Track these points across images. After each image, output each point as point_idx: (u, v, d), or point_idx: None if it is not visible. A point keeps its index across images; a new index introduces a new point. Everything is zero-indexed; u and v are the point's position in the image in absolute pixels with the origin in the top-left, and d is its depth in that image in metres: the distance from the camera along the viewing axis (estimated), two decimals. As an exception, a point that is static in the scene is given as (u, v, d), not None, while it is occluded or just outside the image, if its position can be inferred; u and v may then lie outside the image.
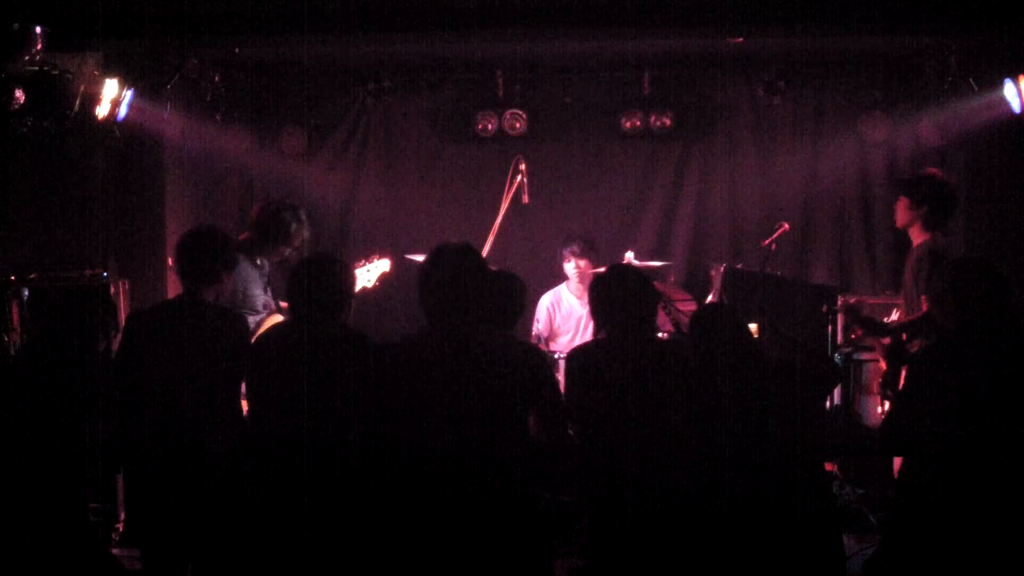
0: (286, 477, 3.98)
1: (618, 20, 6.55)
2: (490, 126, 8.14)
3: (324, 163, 8.49)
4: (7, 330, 6.01)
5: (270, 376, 4.15)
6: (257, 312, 5.60)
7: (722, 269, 6.80)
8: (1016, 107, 6.84)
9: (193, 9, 6.43)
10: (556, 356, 6.08)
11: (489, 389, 3.89)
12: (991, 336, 3.93)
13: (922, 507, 3.94)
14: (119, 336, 4.59)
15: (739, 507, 4.06)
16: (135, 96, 6.87)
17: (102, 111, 6.66)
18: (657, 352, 4.35)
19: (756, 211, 8.22)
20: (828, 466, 6.04)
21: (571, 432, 4.38)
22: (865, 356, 6.61)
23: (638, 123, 8.12)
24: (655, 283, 6.17)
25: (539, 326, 7.14)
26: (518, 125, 8.09)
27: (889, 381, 5.50)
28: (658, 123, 8.11)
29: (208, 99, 7.81)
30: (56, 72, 6.30)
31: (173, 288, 6.92)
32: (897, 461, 5.57)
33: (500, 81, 8.18)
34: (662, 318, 6.30)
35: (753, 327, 5.51)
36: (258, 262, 5.79)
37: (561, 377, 4.50)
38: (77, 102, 6.46)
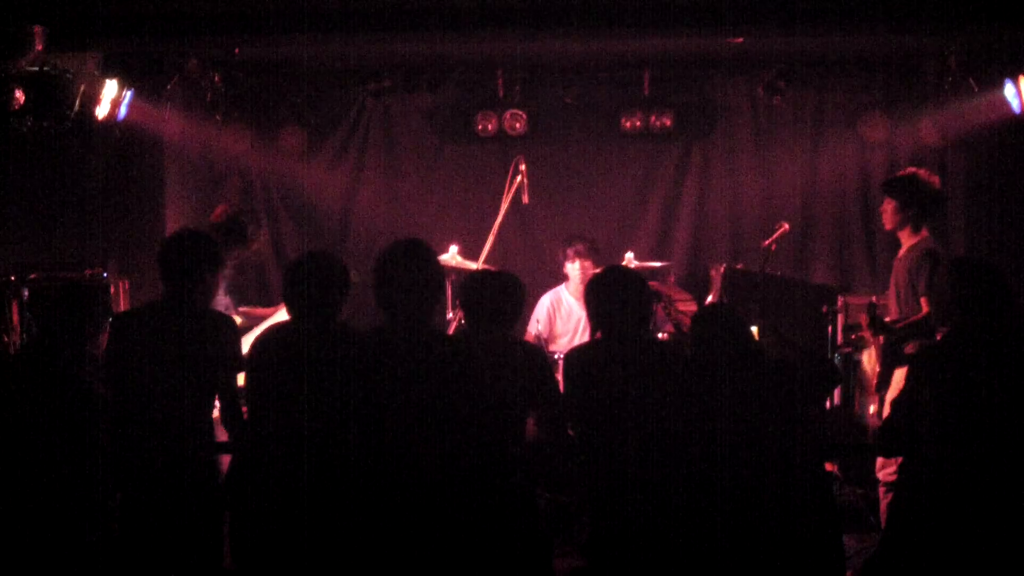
0: (286, 477, 3.98)
1: (618, 20, 6.54)
2: (490, 126, 8.14)
3: (324, 163, 8.49)
4: (7, 330, 6.01)
5: (270, 376, 4.14)
6: None
7: (722, 269, 6.80)
8: (1016, 107, 6.84)
9: (193, 9, 6.43)
10: (555, 356, 6.08)
11: (489, 389, 3.89)
12: (992, 335, 3.94)
13: (922, 507, 3.95)
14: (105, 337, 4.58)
15: (739, 507, 4.06)
16: (135, 96, 6.87)
17: (102, 111, 6.66)
18: (656, 352, 4.35)
19: (756, 211, 8.22)
20: (828, 466, 6.04)
21: (571, 432, 4.39)
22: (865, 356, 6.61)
23: (638, 123, 8.12)
24: (654, 283, 6.20)
25: (539, 326, 7.14)
26: (518, 125, 8.09)
27: (882, 382, 5.51)
28: (658, 123, 8.11)
29: (208, 99, 7.81)
30: (56, 72, 6.30)
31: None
32: (879, 461, 5.58)
33: (500, 81, 8.18)
34: (662, 318, 6.31)
35: (753, 329, 5.51)
36: None
37: (560, 377, 4.50)
38: (77, 102, 6.46)
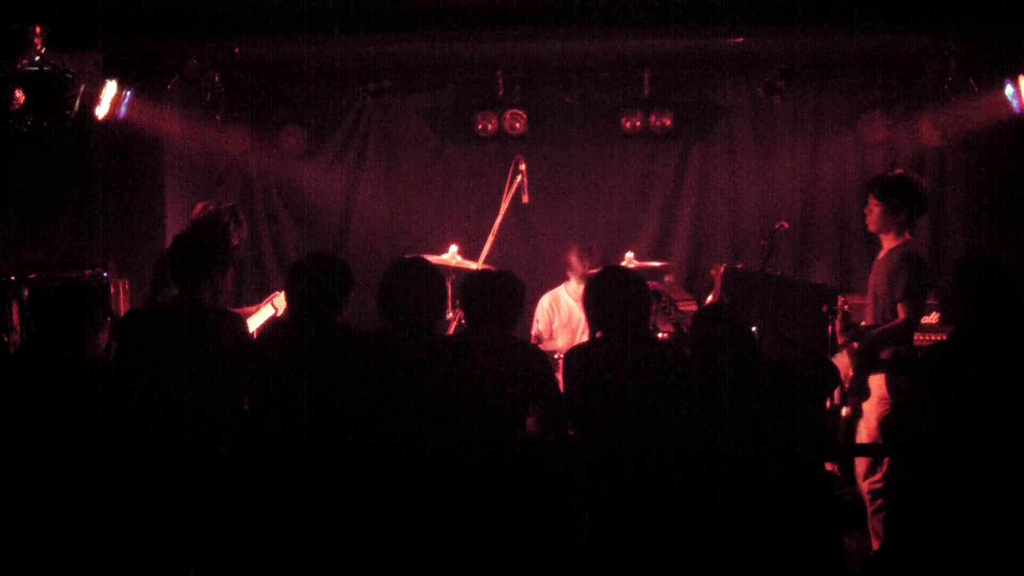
0: (287, 475, 3.98)
1: (618, 20, 6.55)
2: (490, 126, 8.13)
3: (324, 163, 8.49)
4: (7, 330, 6.01)
5: (270, 375, 4.15)
6: None
7: (722, 269, 6.79)
8: (1016, 107, 6.84)
9: (193, 9, 6.43)
10: (555, 356, 6.08)
11: (489, 389, 3.89)
12: (998, 335, 3.93)
13: (925, 506, 3.95)
14: (112, 336, 4.58)
15: (739, 507, 4.06)
16: (135, 96, 6.86)
17: (102, 111, 6.66)
18: (656, 352, 4.35)
19: (756, 211, 8.22)
20: (828, 466, 6.03)
21: (571, 432, 4.39)
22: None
23: (638, 123, 8.11)
24: (654, 283, 6.20)
25: (539, 326, 7.14)
26: (518, 125, 8.09)
27: (855, 387, 5.45)
28: (658, 123, 8.11)
29: (208, 99, 7.81)
30: (56, 72, 6.30)
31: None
32: (861, 470, 5.54)
33: (500, 81, 8.18)
34: (661, 318, 6.30)
35: (753, 329, 5.50)
36: None
37: (560, 377, 4.50)
38: (77, 102, 6.47)
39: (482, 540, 3.89)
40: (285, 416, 4.03)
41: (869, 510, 5.41)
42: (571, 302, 7.15)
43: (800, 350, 4.80)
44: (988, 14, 6.43)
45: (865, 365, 5.36)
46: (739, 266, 7.00)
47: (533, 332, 7.09)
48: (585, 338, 6.53)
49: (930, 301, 5.95)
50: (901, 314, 5.31)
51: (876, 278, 5.57)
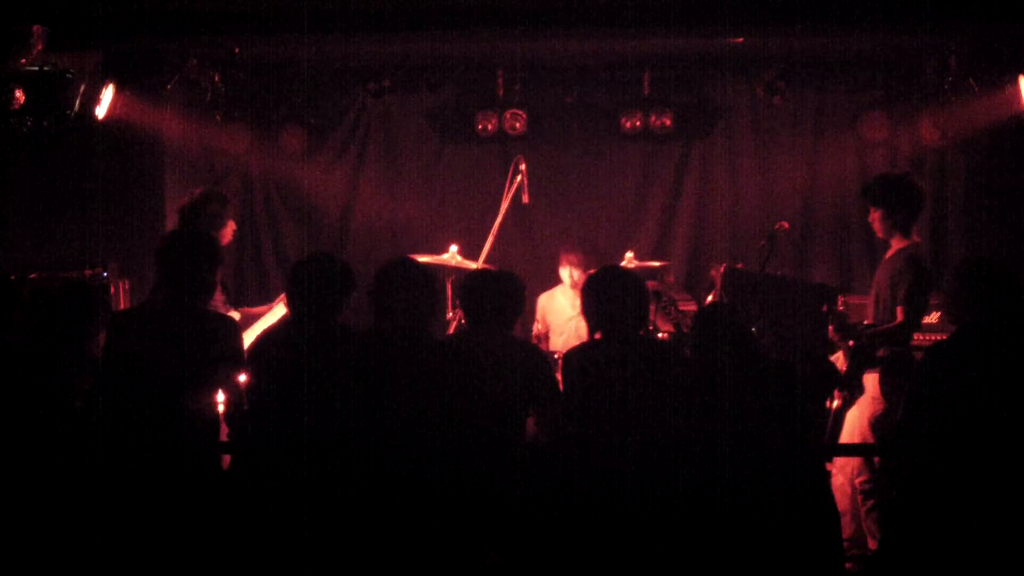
0: (287, 476, 3.98)
1: (618, 20, 6.54)
2: (490, 126, 8.13)
3: (324, 163, 8.49)
4: (7, 330, 6.00)
5: (271, 375, 4.15)
6: None
7: (722, 269, 6.79)
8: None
9: (193, 9, 6.43)
10: (555, 356, 6.07)
11: (489, 388, 3.89)
12: (1001, 335, 3.93)
13: (925, 506, 3.95)
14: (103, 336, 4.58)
15: (739, 507, 4.06)
16: (135, 96, 6.86)
17: (102, 111, 6.66)
18: (656, 352, 4.35)
19: (756, 211, 8.22)
20: (828, 466, 6.03)
21: (571, 432, 4.38)
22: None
23: (638, 123, 8.11)
24: (653, 283, 6.20)
25: (539, 326, 7.14)
26: (518, 125, 8.08)
27: (847, 383, 5.45)
28: (658, 123, 8.10)
29: (208, 99, 7.81)
30: (56, 72, 6.30)
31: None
32: (853, 469, 5.53)
33: (500, 81, 8.18)
34: (662, 318, 6.30)
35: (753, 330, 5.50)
36: None
37: (559, 377, 4.50)
38: (77, 102, 6.47)
39: (482, 540, 3.89)
40: (284, 416, 4.03)
41: (862, 510, 5.41)
42: (564, 303, 7.16)
43: (800, 350, 4.80)
44: (988, 14, 6.43)
45: (860, 362, 5.36)
46: (739, 266, 7.00)
47: (533, 332, 7.09)
48: (579, 338, 6.55)
49: (932, 300, 5.96)
50: (899, 316, 5.31)
51: (879, 277, 5.59)
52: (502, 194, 6.91)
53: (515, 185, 6.89)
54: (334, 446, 3.97)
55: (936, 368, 4.03)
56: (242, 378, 4.36)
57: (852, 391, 5.37)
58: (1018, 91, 6.85)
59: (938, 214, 8.09)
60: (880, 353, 5.33)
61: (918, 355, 4.79)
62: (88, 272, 6.33)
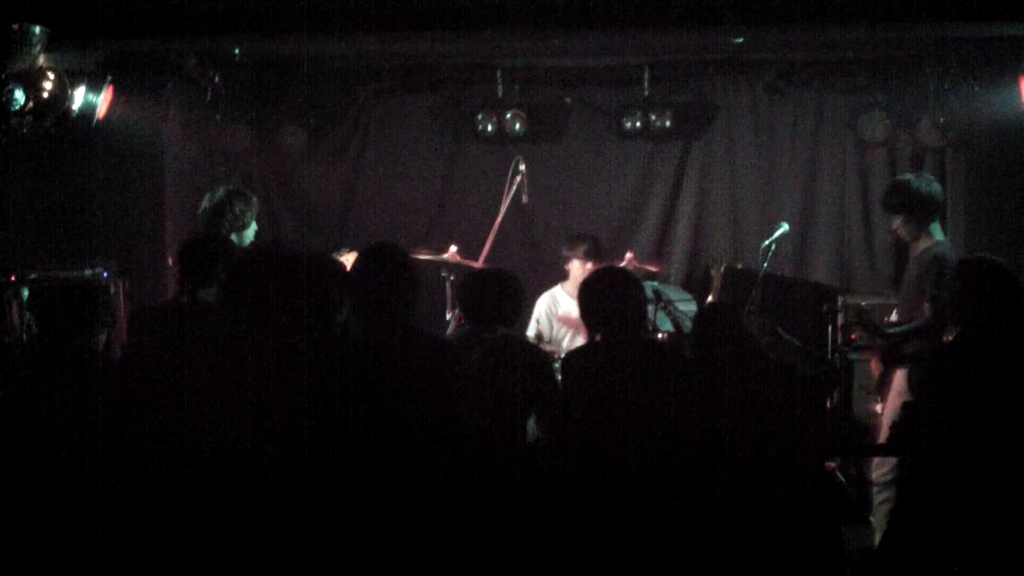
0: (287, 476, 3.98)
1: (618, 20, 6.54)
2: (490, 126, 8.13)
3: (324, 162, 8.48)
4: (7, 330, 6.01)
5: (269, 377, 4.14)
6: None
7: (722, 269, 6.80)
8: None
9: (193, 9, 6.43)
10: (555, 356, 6.07)
11: (489, 388, 3.89)
12: (1001, 337, 3.93)
13: (924, 507, 3.95)
14: (120, 334, 4.59)
15: (739, 508, 4.06)
16: (135, 96, 6.86)
17: (102, 111, 6.66)
18: (656, 353, 4.35)
19: (756, 211, 8.23)
20: (828, 465, 6.04)
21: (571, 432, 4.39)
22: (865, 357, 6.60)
23: (638, 123, 8.11)
24: (653, 283, 6.20)
25: (539, 326, 7.13)
26: (518, 125, 8.08)
27: (880, 384, 5.50)
28: (658, 123, 8.10)
29: (208, 99, 7.81)
30: (56, 72, 6.30)
31: (173, 288, 6.93)
32: (875, 460, 5.56)
33: (500, 81, 8.18)
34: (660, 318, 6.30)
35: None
36: None
37: (559, 378, 4.50)
38: (77, 102, 6.47)
39: (481, 540, 3.89)
40: (284, 417, 4.03)
41: (876, 501, 5.45)
42: (569, 301, 7.16)
43: (800, 350, 4.81)
44: (988, 13, 6.43)
45: (890, 360, 5.42)
46: (739, 266, 7.01)
47: (533, 332, 7.09)
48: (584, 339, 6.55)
49: (891, 301, 6.06)
50: (927, 313, 5.37)
51: (909, 274, 5.69)
52: (502, 194, 6.91)
53: (515, 185, 6.89)
54: (332, 447, 3.97)
55: (936, 370, 4.03)
56: None
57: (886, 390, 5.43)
58: (1018, 91, 6.85)
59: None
60: (909, 352, 5.38)
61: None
62: (88, 272, 6.33)
